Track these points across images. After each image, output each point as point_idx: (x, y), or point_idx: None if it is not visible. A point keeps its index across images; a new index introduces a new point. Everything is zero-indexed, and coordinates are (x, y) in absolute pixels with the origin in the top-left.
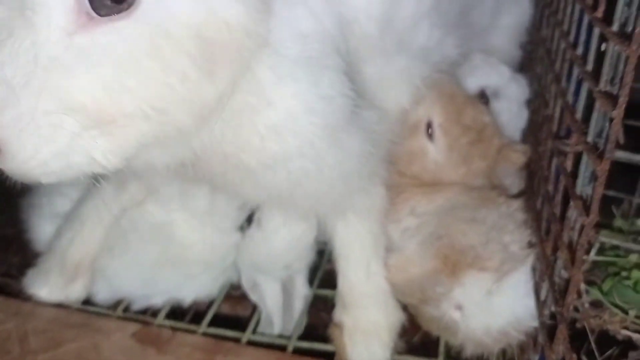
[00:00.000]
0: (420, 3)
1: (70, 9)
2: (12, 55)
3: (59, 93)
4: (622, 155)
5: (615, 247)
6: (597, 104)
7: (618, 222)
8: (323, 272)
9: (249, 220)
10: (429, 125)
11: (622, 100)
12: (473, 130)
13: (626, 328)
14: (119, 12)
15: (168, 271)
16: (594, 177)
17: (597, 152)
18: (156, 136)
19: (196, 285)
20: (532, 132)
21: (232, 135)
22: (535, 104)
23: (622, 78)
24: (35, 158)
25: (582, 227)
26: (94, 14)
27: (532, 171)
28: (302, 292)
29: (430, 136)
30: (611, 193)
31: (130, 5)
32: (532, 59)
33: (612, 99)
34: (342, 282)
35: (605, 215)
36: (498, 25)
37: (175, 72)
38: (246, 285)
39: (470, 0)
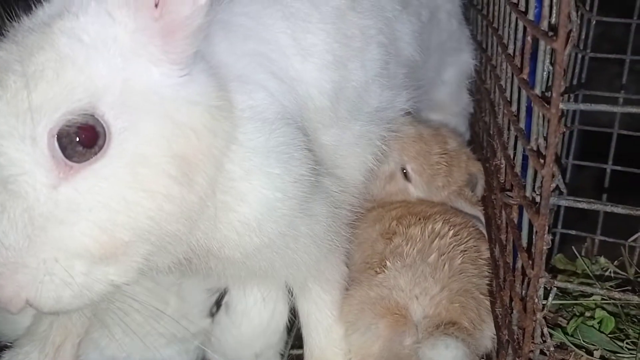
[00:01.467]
0: (367, 70)
1: (48, 166)
2: (10, 224)
3: (61, 244)
4: (564, 202)
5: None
6: (530, 161)
7: (581, 262)
8: (297, 331)
9: (218, 305)
10: (403, 170)
11: (550, 160)
12: (443, 164)
13: None
14: (93, 154)
15: (134, 340)
16: (535, 232)
17: (535, 208)
18: (158, 248)
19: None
20: (486, 180)
21: (212, 232)
22: (487, 151)
23: (546, 137)
24: (60, 302)
25: (529, 279)
26: (71, 163)
27: (488, 218)
28: None
29: (407, 178)
30: (573, 232)
31: (102, 146)
32: (480, 109)
33: (542, 157)
34: (305, 347)
35: (569, 253)
36: (442, 79)
37: (159, 195)
38: None
39: (414, 61)
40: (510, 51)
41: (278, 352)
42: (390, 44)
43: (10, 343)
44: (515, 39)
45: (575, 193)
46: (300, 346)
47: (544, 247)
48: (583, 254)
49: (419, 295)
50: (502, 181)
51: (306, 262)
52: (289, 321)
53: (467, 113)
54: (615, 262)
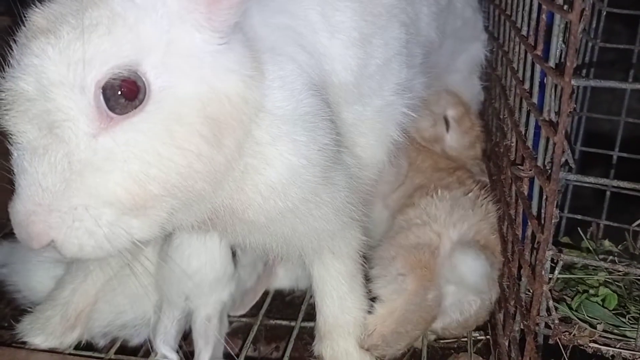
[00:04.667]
0: (389, 47)
1: (92, 116)
2: (50, 167)
3: (95, 191)
4: (572, 177)
5: (585, 267)
6: (542, 132)
7: (586, 243)
8: (308, 306)
9: None
10: (445, 119)
11: (562, 127)
12: (477, 126)
13: (595, 342)
14: (133, 108)
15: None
16: (546, 198)
17: (546, 175)
18: (183, 205)
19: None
20: (495, 162)
21: (237, 194)
22: (497, 136)
23: (559, 107)
24: (82, 250)
25: (539, 244)
26: (113, 114)
27: (497, 198)
28: (200, 329)
29: (447, 127)
30: (579, 217)
31: (142, 100)
32: (491, 96)
33: (554, 126)
34: (318, 316)
35: (577, 237)
36: (456, 65)
37: (191, 153)
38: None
39: (432, 42)
40: (524, 32)
41: (214, 306)
42: (411, 24)
43: (30, 308)
44: (529, 19)
45: (580, 190)
46: (310, 319)
47: (553, 218)
48: (588, 237)
49: (456, 222)
50: (513, 158)
51: (326, 230)
52: (300, 296)
53: (478, 101)
54: (620, 246)
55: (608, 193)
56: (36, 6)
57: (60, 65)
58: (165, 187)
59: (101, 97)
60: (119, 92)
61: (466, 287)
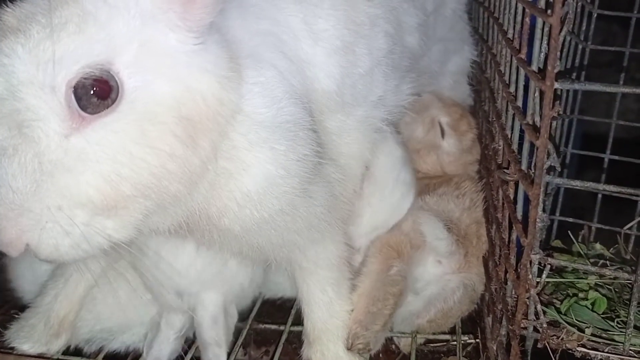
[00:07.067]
0: (373, 57)
1: (63, 116)
2: (20, 168)
3: (66, 191)
4: (559, 181)
5: (576, 270)
6: (526, 135)
7: (577, 247)
8: (297, 310)
9: None
10: (440, 126)
11: (544, 131)
12: (475, 128)
13: (583, 346)
14: (106, 107)
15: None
16: (530, 202)
17: (529, 179)
18: (157, 206)
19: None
20: (484, 165)
21: (212, 199)
22: (486, 138)
23: (541, 111)
24: (58, 251)
25: (523, 248)
26: (85, 114)
27: (486, 201)
28: (208, 333)
29: (442, 134)
30: (570, 219)
31: (115, 100)
32: (480, 99)
33: (537, 130)
34: (306, 322)
35: (570, 240)
36: (445, 70)
37: (164, 153)
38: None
39: (414, 52)
40: (510, 35)
41: (216, 303)
42: (396, 34)
43: (18, 314)
44: (514, 22)
45: (578, 190)
46: (300, 323)
47: (538, 222)
48: (580, 240)
49: (441, 212)
50: (500, 162)
51: (300, 245)
52: (289, 300)
53: (467, 105)
54: (611, 249)
55: (599, 196)
56: (7, 6)
57: (29, 65)
58: (137, 187)
59: (72, 97)
60: (91, 92)
61: (429, 246)
